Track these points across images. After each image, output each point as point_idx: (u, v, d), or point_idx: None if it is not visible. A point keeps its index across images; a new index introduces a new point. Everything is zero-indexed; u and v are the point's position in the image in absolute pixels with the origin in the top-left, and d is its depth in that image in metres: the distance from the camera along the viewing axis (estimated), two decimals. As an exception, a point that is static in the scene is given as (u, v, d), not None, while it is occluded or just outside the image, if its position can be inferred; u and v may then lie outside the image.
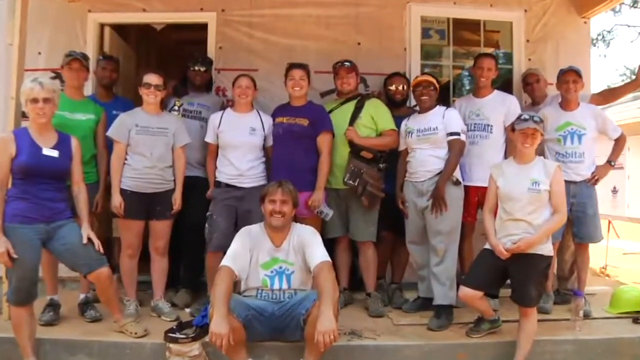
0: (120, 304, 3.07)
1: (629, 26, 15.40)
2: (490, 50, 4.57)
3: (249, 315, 2.58)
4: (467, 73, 4.83)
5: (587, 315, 3.22)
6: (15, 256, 2.55)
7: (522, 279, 2.80)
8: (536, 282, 2.80)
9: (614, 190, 9.92)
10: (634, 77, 3.71)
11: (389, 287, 3.74)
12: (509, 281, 2.93)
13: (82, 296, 3.27)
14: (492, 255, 2.86)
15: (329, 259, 2.66)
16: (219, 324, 2.34)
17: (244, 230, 2.80)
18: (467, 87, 4.81)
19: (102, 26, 4.21)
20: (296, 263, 2.74)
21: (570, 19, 4.36)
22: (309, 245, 2.71)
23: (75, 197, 2.85)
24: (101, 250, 2.74)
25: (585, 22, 4.42)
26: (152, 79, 3.20)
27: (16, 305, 2.64)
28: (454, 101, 4.10)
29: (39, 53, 4.01)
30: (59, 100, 2.79)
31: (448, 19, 4.36)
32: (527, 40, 4.32)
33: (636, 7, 14.44)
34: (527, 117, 2.81)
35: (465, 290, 2.89)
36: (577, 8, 4.36)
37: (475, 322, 3.05)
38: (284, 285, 2.73)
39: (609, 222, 5.87)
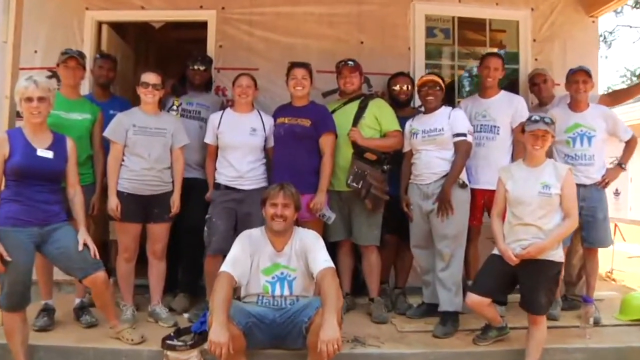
0: (116, 309, 2.98)
1: (630, 27, 15.35)
2: (494, 50, 4.49)
3: (249, 322, 2.50)
4: (467, 74, 4.76)
5: (596, 323, 3.14)
6: (8, 259, 2.46)
7: (532, 285, 2.71)
8: (546, 289, 2.72)
9: (616, 193, 9.86)
10: (634, 78, 3.64)
11: (393, 292, 3.66)
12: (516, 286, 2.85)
13: (77, 301, 3.20)
14: (500, 261, 2.78)
15: (332, 264, 2.57)
16: (218, 333, 2.26)
17: (244, 234, 2.72)
18: (467, 89, 4.74)
19: (99, 24, 4.14)
20: (298, 269, 2.65)
21: (578, 18, 4.30)
22: (311, 250, 2.62)
23: (71, 200, 2.77)
24: (97, 256, 2.66)
25: (593, 22, 4.36)
26: (150, 78, 3.13)
27: (8, 310, 2.56)
28: (459, 102, 4.02)
29: (35, 51, 3.95)
30: (54, 100, 2.72)
31: (453, 17, 4.30)
32: (534, 40, 4.25)
33: (638, 7, 14.38)
34: (537, 118, 2.73)
35: (472, 297, 2.81)
36: (584, 7, 4.30)
37: (482, 330, 2.97)
38: (286, 292, 2.65)
39: (615, 225, 5.79)
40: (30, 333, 2.72)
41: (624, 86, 14.69)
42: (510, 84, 4.21)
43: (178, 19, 4.40)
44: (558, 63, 4.13)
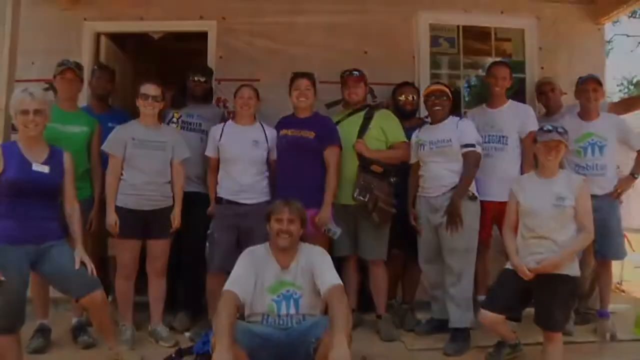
0: (115, 329, 2.87)
1: (628, 36, 15.42)
2: (499, 59, 4.42)
3: (254, 343, 2.38)
4: (466, 85, 4.70)
5: (613, 338, 3.04)
6: (2, 278, 2.36)
7: (547, 301, 2.61)
8: (562, 305, 2.62)
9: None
10: (632, 87, 3.58)
11: (400, 308, 3.55)
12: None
13: (74, 320, 3.08)
14: (514, 276, 2.69)
15: (340, 281, 2.47)
16: (223, 355, 2.14)
17: (247, 251, 2.62)
18: (467, 99, 4.67)
19: (98, 35, 4.08)
20: (304, 286, 2.55)
21: (584, 26, 4.25)
22: (318, 266, 2.52)
23: (68, 216, 2.67)
24: (94, 275, 2.55)
25: (599, 29, 4.31)
26: (149, 89, 3.05)
27: (1, 333, 2.43)
28: (465, 112, 3.94)
29: (32, 63, 3.87)
30: (50, 112, 2.63)
31: (458, 26, 4.24)
32: (540, 48, 4.19)
33: (635, 17, 14.45)
34: (550, 128, 2.65)
35: (486, 315, 2.71)
36: (590, 15, 4.25)
37: (495, 347, 2.87)
38: (292, 310, 2.53)
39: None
40: (24, 355, 2.59)
41: (622, 95, 14.76)
42: (516, 93, 4.14)
43: (178, 30, 4.32)
44: (564, 71, 4.06)
